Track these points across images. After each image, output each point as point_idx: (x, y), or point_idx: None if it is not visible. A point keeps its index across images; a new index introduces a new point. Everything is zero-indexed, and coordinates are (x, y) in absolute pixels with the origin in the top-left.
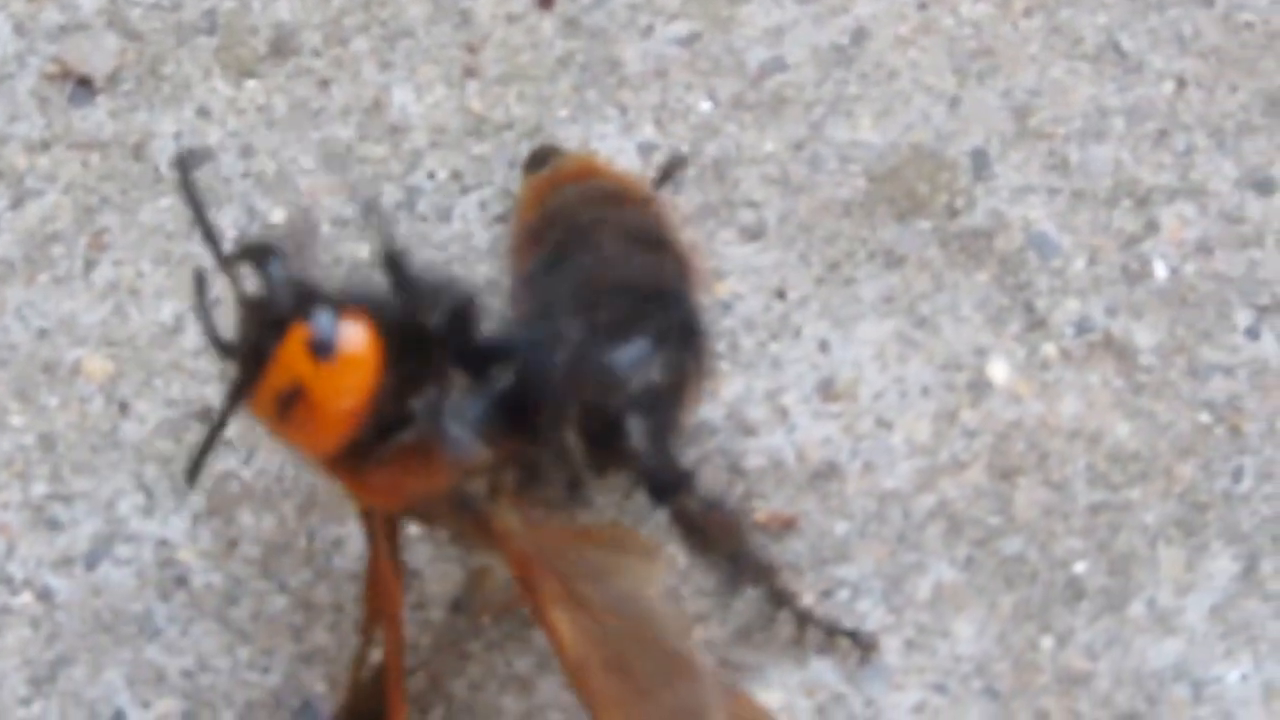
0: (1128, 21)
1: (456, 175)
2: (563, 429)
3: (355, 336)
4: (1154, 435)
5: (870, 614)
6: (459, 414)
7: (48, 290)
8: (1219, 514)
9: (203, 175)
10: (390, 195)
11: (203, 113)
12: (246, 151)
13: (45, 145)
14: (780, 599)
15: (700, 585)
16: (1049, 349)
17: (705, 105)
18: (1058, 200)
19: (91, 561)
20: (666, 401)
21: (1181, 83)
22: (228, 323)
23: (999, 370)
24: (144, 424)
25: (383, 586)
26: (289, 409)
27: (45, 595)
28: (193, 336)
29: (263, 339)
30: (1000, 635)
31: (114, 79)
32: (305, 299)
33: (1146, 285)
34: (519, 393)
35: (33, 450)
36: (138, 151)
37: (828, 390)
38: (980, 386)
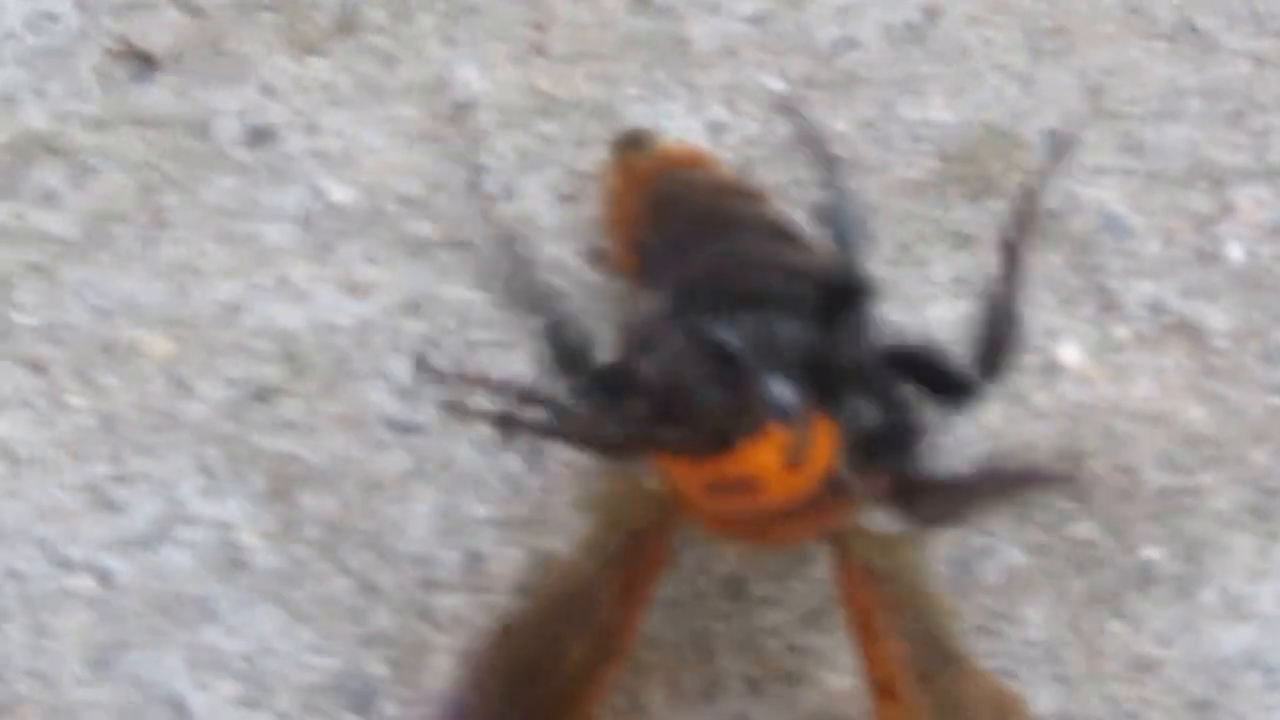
0: (1204, 1)
1: (523, 154)
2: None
3: (824, 439)
4: (1227, 420)
5: None
6: (850, 458)
7: (108, 270)
8: None
9: (265, 154)
10: (455, 175)
11: (266, 90)
12: (311, 130)
13: (107, 123)
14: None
15: (768, 568)
16: (1121, 331)
17: (776, 84)
18: (1132, 181)
19: (151, 543)
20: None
21: (1258, 63)
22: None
23: (1071, 353)
24: (205, 404)
25: (642, 581)
26: (729, 489)
27: (104, 577)
28: (254, 316)
29: (730, 426)
30: (1070, 621)
31: (176, 56)
32: (778, 391)
33: (1221, 268)
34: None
35: (93, 431)
36: (200, 129)
37: None
38: (1052, 369)
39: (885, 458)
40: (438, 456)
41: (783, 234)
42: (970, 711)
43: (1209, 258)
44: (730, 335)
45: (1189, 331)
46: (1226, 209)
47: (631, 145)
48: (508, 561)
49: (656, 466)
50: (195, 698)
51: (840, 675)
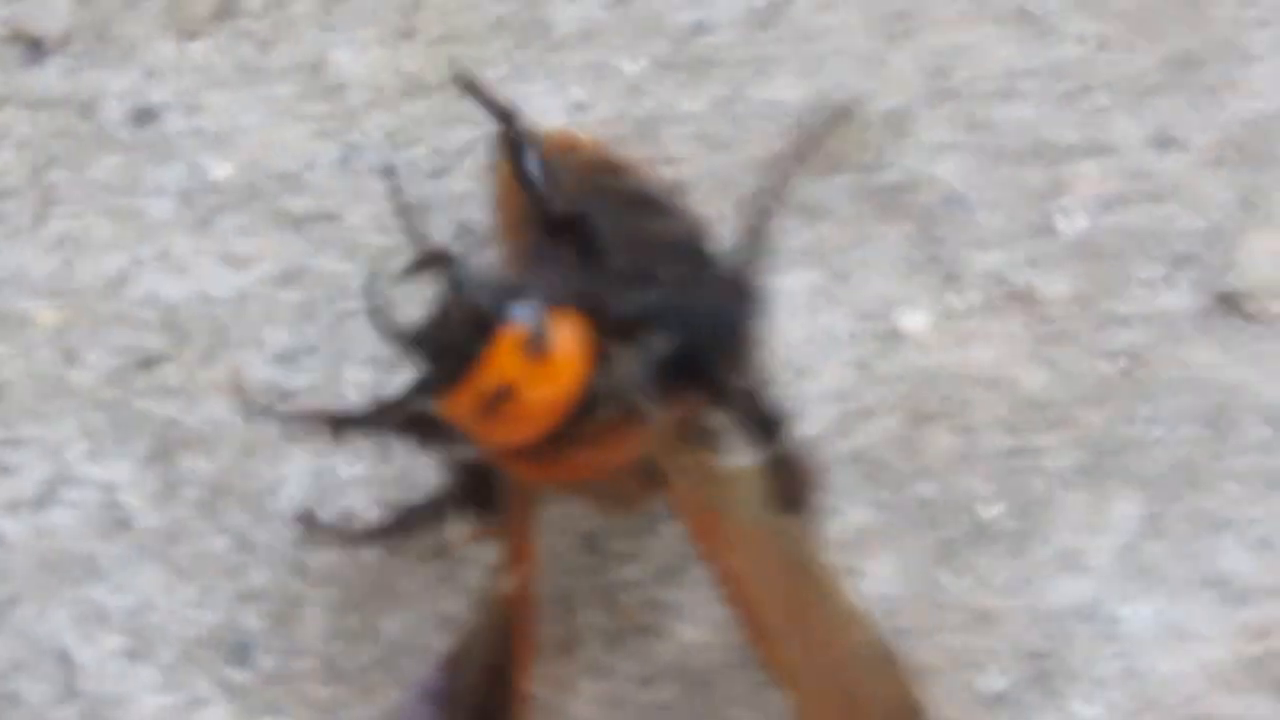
0: None
1: (391, 134)
2: (727, 382)
3: (567, 333)
4: (1062, 384)
5: None
6: (643, 384)
7: None
8: (1124, 460)
9: (148, 133)
10: (329, 152)
11: (149, 73)
12: (191, 110)
13: None
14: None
15: (625, 526)
16: (962, 301)
17: (632, 67)
18: (972, 158)
19: (39, 505)
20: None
21: (1091, 45)
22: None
23: (914, 320)
24: (91, 372)
25: (521, 554)
26: (494, 408)
27: None
28: (137, 288)
29: (470, 337)
30: (912, 576)
31: (64, 40)
32: (511, 299)
33: (1056, 240)
34: (682, 354)
35: None
36: (87, 110)
37: None
38: (896, 336)
39: (691, 384)
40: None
41: (645, 204)
42: (835, 627)
43: (1045, 230)
44: (464, 273)
45: (1026, 300)
46: (1062, 184)
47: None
48: (376, 518)
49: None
50: (81, 651)
51: (696, 627)
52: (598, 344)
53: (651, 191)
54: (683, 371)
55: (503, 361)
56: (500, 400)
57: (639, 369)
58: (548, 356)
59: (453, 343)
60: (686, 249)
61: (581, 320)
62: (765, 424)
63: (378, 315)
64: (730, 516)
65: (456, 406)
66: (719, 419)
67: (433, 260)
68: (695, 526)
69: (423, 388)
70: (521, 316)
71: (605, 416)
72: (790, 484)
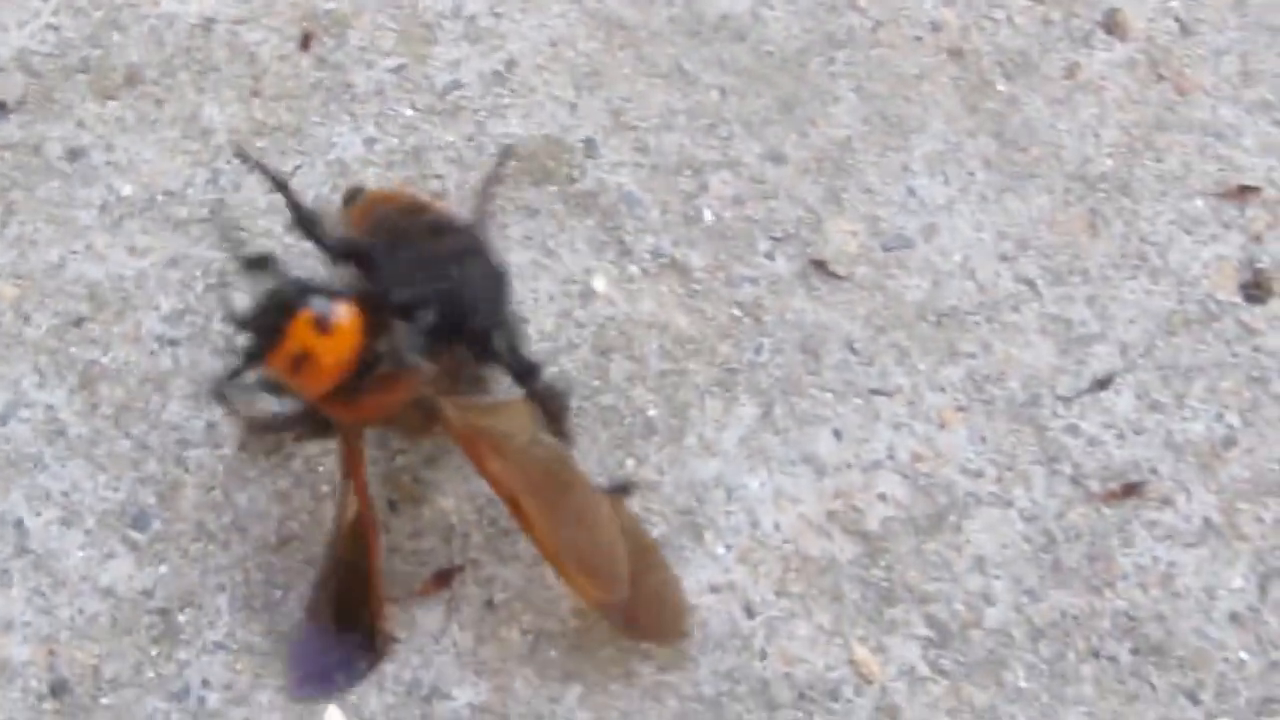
0: (689, 51)
1: (245, 160)
2: (488, 341)
3: (344, 313)
4: (703, 325)
5: None
6: (412, 347)
7: None
8: (745, 376)
9: (79, 165)
10: (201, 176)
11: (80, 124)
12: (109, 149)
13: None
14: (568, 436)
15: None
16: (633, 268)
17: (409, 112)
18: (641, 171)
19: (3, 421)
20: (513, 318)
21: (724, 92)
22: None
23: (600, 283)
24: (38, 329)
25: (357, 481)
26: (299, 367)
27: None
28: (70, 270)
29: (278, 319)
30: (599, 459)
31: (21, 103)
32: (308, 290)
33: (699, 225)
34: (441, 324)
35: None
36: (36, 150)
37: None
38: (589, 294)
39: (448, 345)
40: (189, 360)
41: (436, 226)
42: (590, 518)
43: (691, 219)
44: (275, 274)
45: (678, 268)
46: (703, 187)
47: (352, 197)
48: (234, 427)
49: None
50: (31, 520)
51: (450, 499)
52: (374, 321)
53: (440, 218)
54: (453, 335)
55: (301, 334)
56: (301, 362)
57: (409, 336)
58: (332, 329)
59: (267, 322)
60: (460, 252)
61: (358, 305)
62: (524, 368)
63: (225, 304)
64: (498, 436)
65: (273, 366)
66: (489, 368)
67: (260, 262)
68: (464, 444)
69: (249, 354)
70: (314, 303)
71: (385, 370)
72: (549, 409)
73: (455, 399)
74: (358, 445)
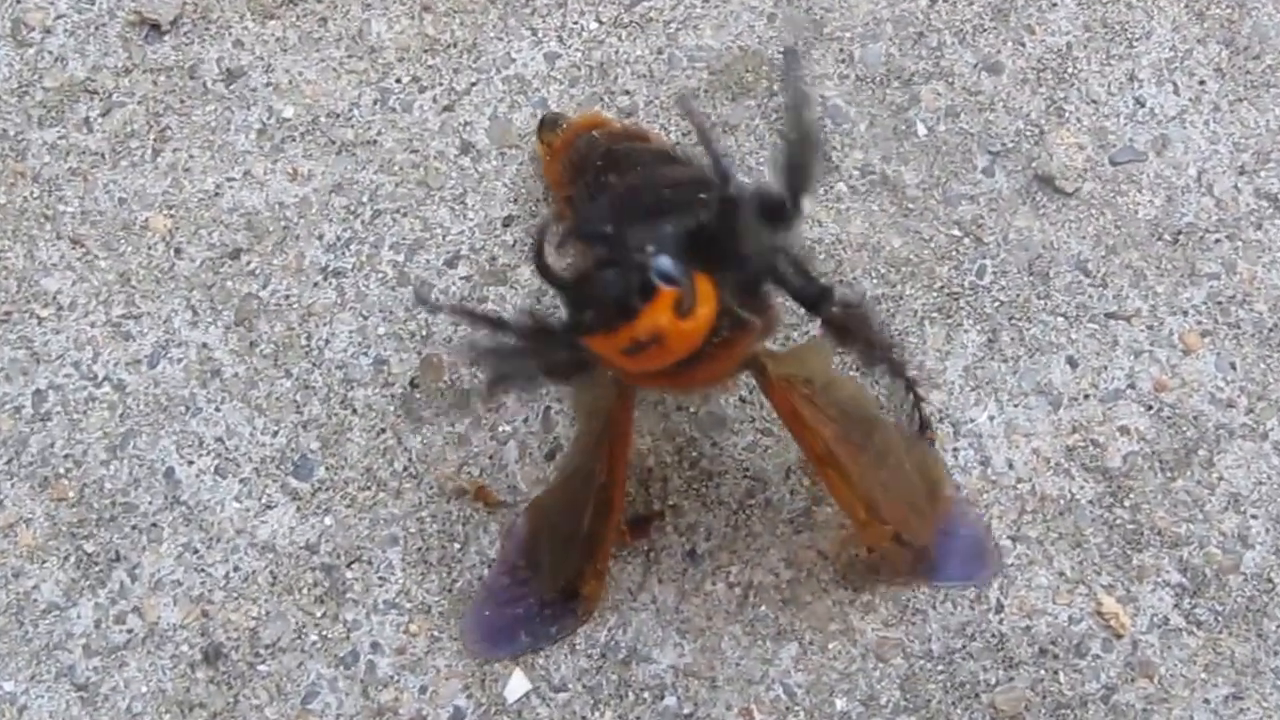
0: None
1: (416, 79)
2: (776, 273)
3: (706, 295)
4: (919, 246)
5: None
6: (747, 309)
7: (126, 171)
8: (968, 301)
9: (237, 87)
10: (368, 96)
11: (237, 44)
12: (268, 69)
13: (127, 70)
14: (898, 369)
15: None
16: (841, 186)
17: (594, 25)
18: (845, 83)
19: (153, 361)
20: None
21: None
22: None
23: (805, 203)
24: (192, 262)
25: (623, 445)
26: (641, 349)
27: (119, 387)
28: (227, 199)
29: (629, 296)
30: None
31: (176, 23)
32: (665, 268)
33: (911, 139)
34: (756, 279)
35: (114, 284)
36: (192, 73)
37: None
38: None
39: (766, 294)
40: (355, 292)
41: (668, 159)
42: (895, 457)
43: (902, 133)
44: (617, 233)
45: (890, 185)
46: (914, 99)
47: (549, 126)
48: (405, 364)
49: (601, 363)
50: (183, 470)
51: (645, 438)
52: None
53: (660, 147)
54: (752, 276)
55: (658, 317)
56: (647, 345)
57: (732, 292)
58: (693, 312)
59: (609, 296)
60: (704, 185)
61: (710, 280)
62: (817, 293)
63: (539, 258)
64: (802, 383)
65: (605, 345)
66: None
67: (590, 233)
68: (776, 398)
69: (577, 328)
70: (680, 283)
71: (721, 337)
72: (855, 329)
73: (767, 350)
74: (629, 408)
